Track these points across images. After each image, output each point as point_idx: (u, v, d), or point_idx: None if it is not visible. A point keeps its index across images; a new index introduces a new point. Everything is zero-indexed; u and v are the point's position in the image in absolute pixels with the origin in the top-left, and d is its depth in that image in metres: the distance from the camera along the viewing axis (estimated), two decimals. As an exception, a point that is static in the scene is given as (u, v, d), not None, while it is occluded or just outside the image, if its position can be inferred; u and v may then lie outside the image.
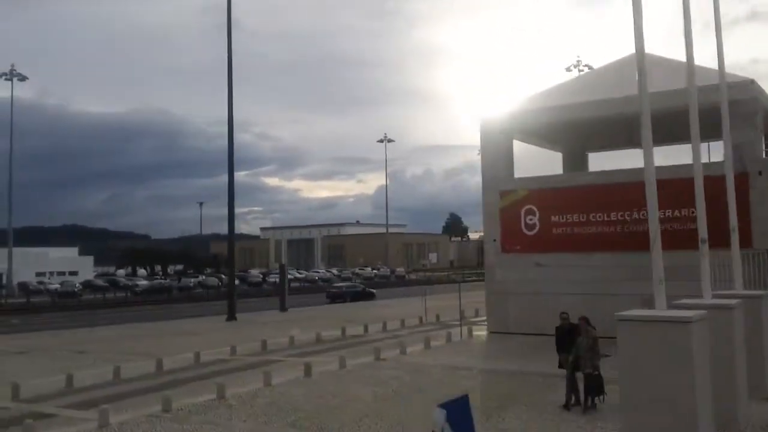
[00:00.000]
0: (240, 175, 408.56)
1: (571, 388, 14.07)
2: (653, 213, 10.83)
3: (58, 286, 74.23)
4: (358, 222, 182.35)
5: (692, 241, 22.72)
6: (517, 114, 26.50)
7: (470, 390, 16.31)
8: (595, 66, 79.68)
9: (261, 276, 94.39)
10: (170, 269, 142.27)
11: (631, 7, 10.99)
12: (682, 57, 16.33)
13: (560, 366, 14.68)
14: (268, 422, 13.46)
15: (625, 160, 36.67)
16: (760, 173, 23.02)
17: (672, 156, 32.18)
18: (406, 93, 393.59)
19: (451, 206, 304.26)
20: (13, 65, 75.61)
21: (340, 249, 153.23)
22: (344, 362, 19.39)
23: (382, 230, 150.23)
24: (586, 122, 25.76)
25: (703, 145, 29.90)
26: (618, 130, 27.64)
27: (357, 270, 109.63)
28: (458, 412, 7.43)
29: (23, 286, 78.55)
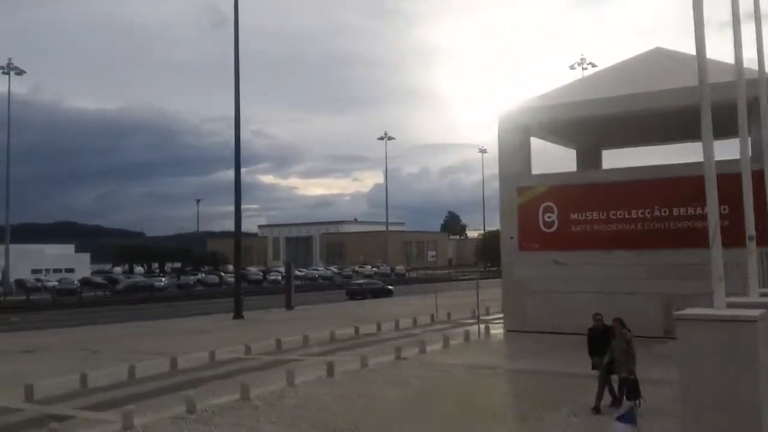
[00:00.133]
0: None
1: (604, 391, 13.59)
2: (713, 209, 10.34)
3: (56, 283, 73.51)
4: (356, 220, 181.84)
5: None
6: (535, 110, 26.07)
7: (499, 391, 16.02)
8: (599, 64, 79.80)
9: (261, 274, 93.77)
10: (167, 267, 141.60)
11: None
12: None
13: (593, 368, 14.13)
14: (297, 424, 13.00)
15: (639, 157, 36.32)
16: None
17: (680, 154, 31.94)
18: (403, 92, 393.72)
19: (447, 204, 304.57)
20: (10, 59, 74.66)
21: (339, 247, 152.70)
22: (366, 361, 18.95)
23: (380, 228, 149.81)
24: (604, 119, 25.35)
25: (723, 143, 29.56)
26: (634, 126, 27.23)
27: (357, 268, 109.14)
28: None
29: (20, 284, 77.82)
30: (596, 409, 13.25)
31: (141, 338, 29.94)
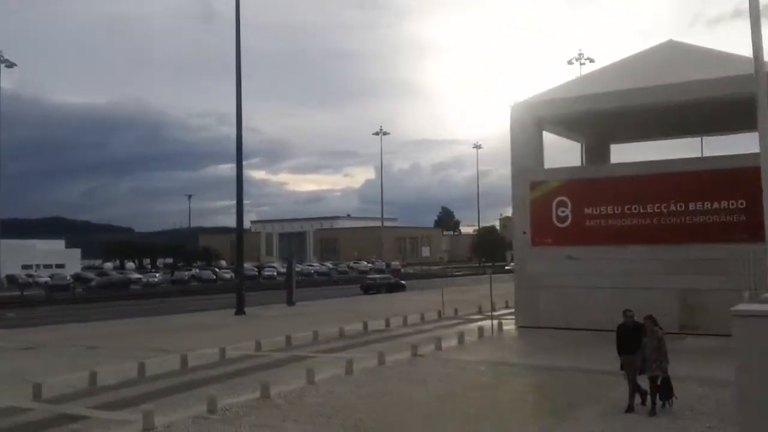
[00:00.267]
0: (224, 168, 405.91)
1: (636, 390, 13.13)
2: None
3: (48, 279, 72.62)
4: (348, 216, 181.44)
5: (730, 233, 22.19)
6: (549, 102, 25.69)
7: (523, 388, 15.58)
8: (598, 61, 79.57)
9: (257, 270, 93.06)
10: (159, 262, 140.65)
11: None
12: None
13: (622, 368, 13.57)
14: (327, 424, 12.52)
15: (646, 152, 36.03)
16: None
17: (690, 148, 31.65)
18: (394, 87, 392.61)
19: (438, 200, 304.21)
20: (0, 51, 73.33)
21: (333, 243, 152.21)
22: (383, 359, 18.49)
23: (373, 224, 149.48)
24: (619, 112, 24.99)
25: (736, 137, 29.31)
26: (647, 120, 26.87)
27: (352, 264, 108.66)
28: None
29: (12, 279, 76.91)
30: (630, 408, 12.84)
31: (142, 335, 29.34)
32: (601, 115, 25.90)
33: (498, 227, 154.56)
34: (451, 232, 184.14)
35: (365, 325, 27.60)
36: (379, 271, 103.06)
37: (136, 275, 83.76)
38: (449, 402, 14.05)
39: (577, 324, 23.89)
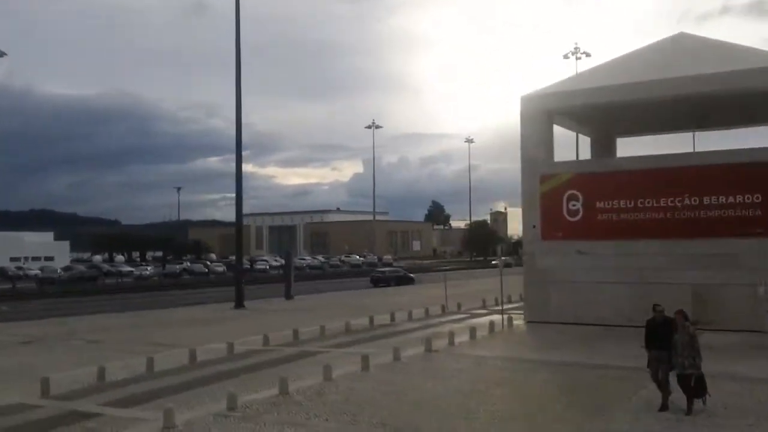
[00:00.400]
0: (213, 161, 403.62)
1: (666, 388, 12.78)
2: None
3: (38, 271, 71.64)
4: (338, 209, 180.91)
5: (745, 227, 21.98)
6: (560, 94, 25.35)
7: (546, 385, 15.22)
8: (594, 54, 79.39)
9: (249, 263, 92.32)
10: (148, 255, 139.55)
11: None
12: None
13: (649, 364, 13.20)
14: (353, 422, 12.13)
15: (652, 146, 35.82)
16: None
17: (699, 142, 31.45)
18: (384, 80, 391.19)
19: (427, 194, 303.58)
20: (-10, 41, 72.09)
21: (323, 236, 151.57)
22: (398, 354, 18.12)
23: (362, 217, 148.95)
24: (631, 104, 24.68)
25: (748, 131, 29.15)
26: (656, 113, 26.62)
27: (343, 257, 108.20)
28: None
29: (2, 272, 75.81)
30: (664, 407, 12.52)
31: (142, 329, 28.79)
32: (612, 107, 25.60)
33: (489, 221, 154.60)
34: (442, 226, 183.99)
35: (371, 320, 27.20)
36: (372, 264, 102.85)
37: (127, 268, 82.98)
38: (473, 399, 13.69)
39: (587, 319, 23.63)
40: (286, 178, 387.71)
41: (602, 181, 24.16)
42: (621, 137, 31.69)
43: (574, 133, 31.08)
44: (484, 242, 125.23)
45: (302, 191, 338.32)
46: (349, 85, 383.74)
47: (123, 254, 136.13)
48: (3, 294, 52.78)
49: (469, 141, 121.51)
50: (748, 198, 21.71)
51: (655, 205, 23.10)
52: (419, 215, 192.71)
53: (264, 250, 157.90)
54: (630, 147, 32.76)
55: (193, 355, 19.46)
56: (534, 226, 25.22)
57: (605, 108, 25.38)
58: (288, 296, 42.30)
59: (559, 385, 15.12)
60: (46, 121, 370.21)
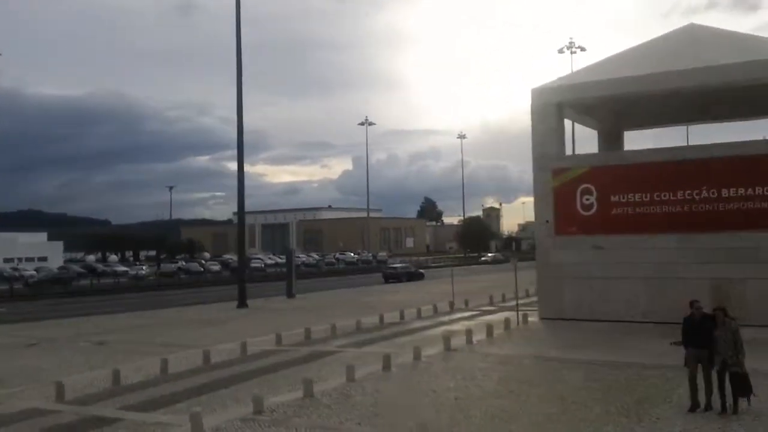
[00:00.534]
0: (202, 160, 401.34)
1: (696, 388, 12.37)
2: None
3: (34, 272, 70.64)
4: (330, 207, 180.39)
5: (766, 220, 21.71)
6: (571, 87, 25.01)
7: (579, 384, 14.81)
8: (588, 48, 79.09)
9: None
10: (141, 255, 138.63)
11: None
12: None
13: (686, 363, 12.83)
14: (390, 426, 11.72)
15: (657, 139, 35.59)
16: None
17: (710, 134, 31.22)
18: (371, 77, 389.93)
19: (416, 190, 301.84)
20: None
21: (317, 234, 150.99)
22: (419, 353, 17.73)
23: (354, 215, 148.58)
24: (643, 96, 24.40)
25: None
26: (668, 105, 26.35)
27: (338, 255, 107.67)
28: None
29: (-2, 273, 74.70)
30: (708, 406, 12.17)
31: (148, 329, 28.33)
32: (624, 99, 25.31)
33: (482, 217, 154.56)
34: (434, 223, 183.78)
35: (381, 318, 26.82)
36: (367, 262, 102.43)
37: (122, 268, 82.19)
38: (510, 400, 13.32)
39: (603, 316, 23.34)
40: (275, 176, 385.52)
41: (617, 174, 23.82)
42: (628, 130, 31.41)
43: (575, 128, 30.75)
44: (478, 238, 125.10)
45: (292, 189, 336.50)
46: (336, 81, 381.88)
47: (116, 254, 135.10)
48: (0, 295, 51.97)
49: (462, 137, 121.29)
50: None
51: (672, 198, 22.79)
52: (409, 211, 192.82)
53: (257, 248, 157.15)
54: (635, 140, 32.59)
55: (207, 357, 19.02)
56: (547, 221, 24.87)
57: (618, 100, 25.08)
58: (290, 294, 41.90)
59: (592, 384, 14.72)
60: (35, 121, 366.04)
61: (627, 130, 31.30)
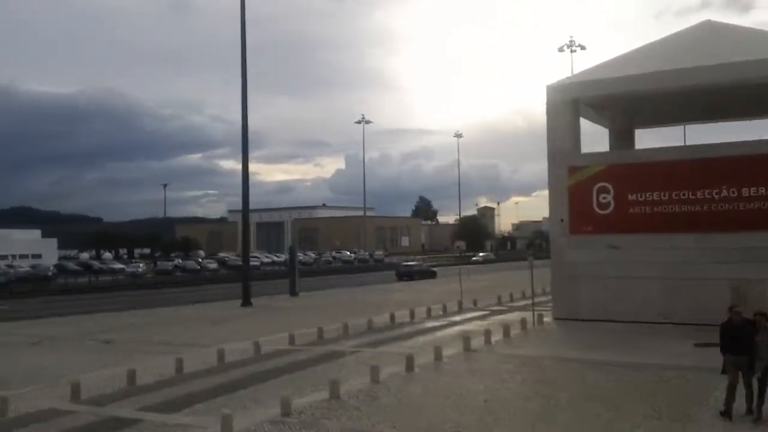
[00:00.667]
0: (194, 158, 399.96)
1: (734, 395, 12.00)
2: None
3: (29, 269, 69.94)
4: (324, 205, 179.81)
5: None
6: (587, 84, 24.68)
7: (609, 386, 14.42)
8: (588, 47, 78.68)
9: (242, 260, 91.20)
10: (136, 252, 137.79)
11: None
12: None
13: (724, 370, 12.44)
14: (427, 429, 11.34)
15: (669, 137, 35.34)
16: None
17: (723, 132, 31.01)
18: (364, 76, 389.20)
19: (409, 189, 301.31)
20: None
21: (312, 232, 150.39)
22: (440, 354, 17.36)
23: (349, 213, 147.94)
24: (659, 94, 24.07)
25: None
26: (685, 102, 26.05)
27: (334, 254, 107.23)
28: None
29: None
30: (749, 411, 11.83)
31: (153, 328, 27.87)
32: (639, 96, 24.99)
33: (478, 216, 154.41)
34: (429, 222, 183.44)
35: (392, 317, 26.44)
36: (363, 261, 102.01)
37: (119, 265, 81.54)
38: (540, 403, 12.96)
39: (619, 316, 23.03)
40: (268, 175, 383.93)
41: (635, 172, 23.50)
42: (640, 128, 31.14)
43: (584, 125, 30.42)
44: (474, 237, 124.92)
45: (285, 188, 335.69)
46: (329, 80, 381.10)
47: (110, 251, 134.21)
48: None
49: (458, 136, 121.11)
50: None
51: (691, 197, 22.49)
52: (401, 210, 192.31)
53: (252, 246, 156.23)
54: (643, 139, 32.36)
55: (221, 356, 18.60)
56: (562, 220, 24.54)
57: (632, 97, 24.77)
58: (293, 293, 41.50)
59: (619, 386, 14.40)
60: (27, 118, 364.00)
61: (638, 128, 31.01)
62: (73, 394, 14.71)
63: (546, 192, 25.63)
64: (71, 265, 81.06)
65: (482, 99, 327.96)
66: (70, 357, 20.65)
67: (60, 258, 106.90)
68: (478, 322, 25.50)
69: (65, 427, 12.64)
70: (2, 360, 20.28)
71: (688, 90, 23.70)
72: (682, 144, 25.07)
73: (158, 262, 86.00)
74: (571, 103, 24.58)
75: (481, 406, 12.69)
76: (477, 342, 19.47)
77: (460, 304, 31.04)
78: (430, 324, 25.68)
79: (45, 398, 14.85)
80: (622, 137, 30.09)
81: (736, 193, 21.81)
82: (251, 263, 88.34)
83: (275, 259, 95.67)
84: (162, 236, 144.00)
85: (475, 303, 31.73)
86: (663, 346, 19.08)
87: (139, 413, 13.38)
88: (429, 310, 28.51)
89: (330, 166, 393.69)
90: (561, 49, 75.61)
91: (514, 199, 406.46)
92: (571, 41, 75.21)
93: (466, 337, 19.10)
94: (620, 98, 25.28)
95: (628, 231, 23.35)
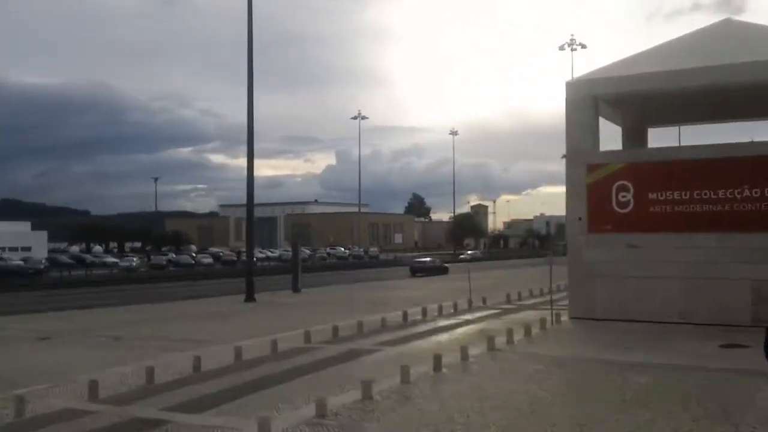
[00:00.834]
0: (183, 152, 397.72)
1: None
2: None
3: (21, 262, 69.01)
4: (316, 201, 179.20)
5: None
6: (608, 80, 24.25)
7: (650, 389, 13.98)
8: (596, 45, 78.28)
9: (236, 255, 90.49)
10: (126, 246, 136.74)
11: None
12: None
13: None
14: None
15: (682, 136, 35.06)
16: None
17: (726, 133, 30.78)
18: (355, 73, 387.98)
19: (399, 186, 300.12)
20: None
21: (305, 228, 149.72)
22: (466, 354, 16.90)
23: (341, 209, 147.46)
24: (682, 91, 23.67)
25: None
26: (705, 101, 25.70)
27: (329, 249, 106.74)
28: None
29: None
30: None
31: (159, 323, 27.31)
32: (658, 95, 24.61)
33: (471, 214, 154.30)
34: (422, 219, 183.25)
35: (405, 315, 25.97)
36: (358, 257, 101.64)
37: (112, 259, 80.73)
38: (581, 405, 12.58)
39: (637, 316, 22.69)
40: (258, 170, 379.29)
41: (655, 171, 23.13)
42: (652, 127, 30.82)
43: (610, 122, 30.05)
44: (469, 235, 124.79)
45: (275, 183, 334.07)
46: (320, 77, 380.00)
47: (101, 245, 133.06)
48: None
49: (454, 133, 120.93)
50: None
51: (712, 196, 22.15)
52: (392, 207, 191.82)
53: (243, 241, 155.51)
54: (655, 138, 32.04)
55: (238, 354, 18.07)
56: (580, 218, 24.15)
57: (655, 95, 24.37)
58: (295, 289, 41.02)
59: (662, 389, 13.86)
60: (14, 109, 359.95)
61: (651, 127, 30.69)
62: (91, 392, 14.14)
63: (536, 191, 25.35)
64: (64, 258, 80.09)
65: (473, 97, 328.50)
66: (82, 353, 20.07)
67: (49, 251, 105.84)
68: (493, 321, 25.10)
69: (88, 429, 12.07)
70: (11, 357, 19.70)
71: (711, 88, 23.34)
72: (703, 143, 24.52)
73: (152, 257, 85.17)
74: (592, 99, 24.18)
75: (525, 409, 12.22)
76: (499, 341, 19.05)
77: (470, 302, 30.61)
78: (443, 322, 25.23)
79: (61, 397, 14.29)
80: (634, 136, 29.75)
81: (759, 193, 21.50)
82: (245, 259, 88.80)
83: (269, 254, 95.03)
84: (152, 230, 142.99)
85: (484, 301, 31.31)
86: (688, 346, 18.75)
87: (164, 413, 12.83)
88: (440, 308, 28.06)
89: (320, 162, 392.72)
90: (561, 48, 75.47)
91: (505, 197, 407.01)
92: (571, 40, 74.98)
93: (490, 337, 18.63)
94: (638, 96, 24.90)
95: (648, 230, 23.00)
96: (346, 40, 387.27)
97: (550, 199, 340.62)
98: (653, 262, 22.84)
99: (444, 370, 15.59)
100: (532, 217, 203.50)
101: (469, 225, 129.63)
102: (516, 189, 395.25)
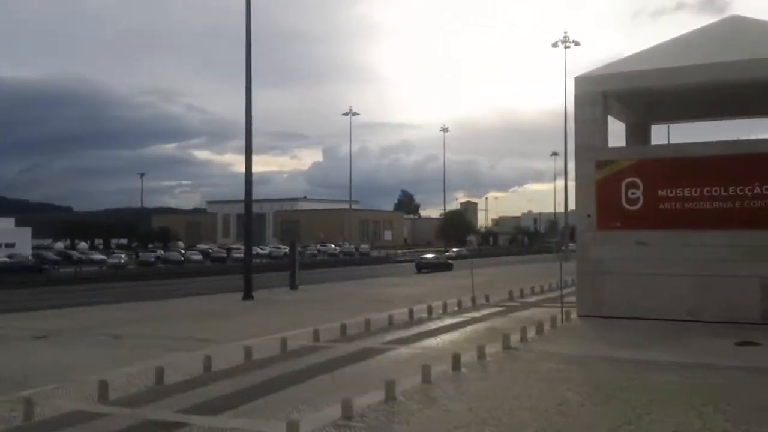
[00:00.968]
0: (167, 148, 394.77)
1: None
2: None
3: (7, 259, 67.98)
4: (305, 197, 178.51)
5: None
6: (617, 76, 24.01)
7: (678, 388, 13.69)
8: (582, 43, 78.55)
9: (225, 252, 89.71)
10: (112, 243, 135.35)
11: None
12: None
13: None
14: (508, 435, 10.57)
15: (686, 133, 34.89)
16: None
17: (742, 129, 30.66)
18: (343, 69, 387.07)
19: (387, 183, 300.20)
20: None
21: (294, 225, 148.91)
22: (483, 353, 16.57)
23: (329, 206, 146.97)
24: (695, 88, 23.49)
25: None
26: (714, 97, 25.55)
27: (319, 246, 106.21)
28: None
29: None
30: None
31: (158, 322, 26.71)
32: (666, 91, 24.43)
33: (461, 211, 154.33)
34: (412, 216, 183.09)
35: (411, 313, 25.61)
36: (349, 254, 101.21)
37: (99, 256, 79.74)
38: (611, 405, 12.27)
39: (646, 313, 22.52)
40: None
41: (666, 167, 22.93)
42: (656, 124, 30.68)
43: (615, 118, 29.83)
44: (458, 231, 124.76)
45: (261, 179, 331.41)
46: (308, 73, 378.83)
47: (86, 241, 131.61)
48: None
49: (444, 130, 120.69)
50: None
51: (722, 194, 21.98)
52: (380, 204, 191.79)
53: (231, 238, 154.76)
54: (657, 135, 31.91)
55: (248, 353, 17.61)
56: (588, 215, 23.91)
57: (660, 91, 24.18)
58: (293, 286, 40.56)
59: (688, 388, 13.58)
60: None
61: (654, 123, 30.55)
62: (101, 394, 13.66)
63: (523, 188, 25.17)
64: (50, 254, 78.99)
65: (461, 95, 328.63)
66: (83, 353, 19.51)
67: (33, 247, 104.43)
68: (499, 319, 24.81)
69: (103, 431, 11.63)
70: (11, 356, 19.12)
71: (722, 84, 23.18)
72: (713, 140, 24.34)
73: (140, 253, 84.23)
74: (601, 95, 23.92)
75: (555, 410, 11.89)
76: (513, 339, 18.72)
77: (473, 299, 30.31)
78: (450, 320, 24.89)
79: (70, 398, 13.80)
80: (637, 132, 29.58)
81: (771, 191, 21.34)
82: (237, 255, 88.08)
83: (259, 251, 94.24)
84: (138, 226, 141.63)
85: (487, 298, 31.02)
86: (702, 344, 18.59)
87: (180, 415, 12.37)
88: (445, 306, 27.73)
89: (307, 158, 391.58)
90: (555, 45, 75.32)
91: (492, 194, 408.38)
92: (565, 37, 74.89)
93: (505, 335, 18.32)
94: (649, 92, 24.68)
95: (657, 227, 22.81)
96: (335, 35, 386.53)
97: (536, 196, 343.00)
98: (662, 260, 22.66)
99: (463, 369, 15.25)
100: (519, 215, 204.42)
101: (459, 222, 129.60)
102: (503, 186, 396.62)
